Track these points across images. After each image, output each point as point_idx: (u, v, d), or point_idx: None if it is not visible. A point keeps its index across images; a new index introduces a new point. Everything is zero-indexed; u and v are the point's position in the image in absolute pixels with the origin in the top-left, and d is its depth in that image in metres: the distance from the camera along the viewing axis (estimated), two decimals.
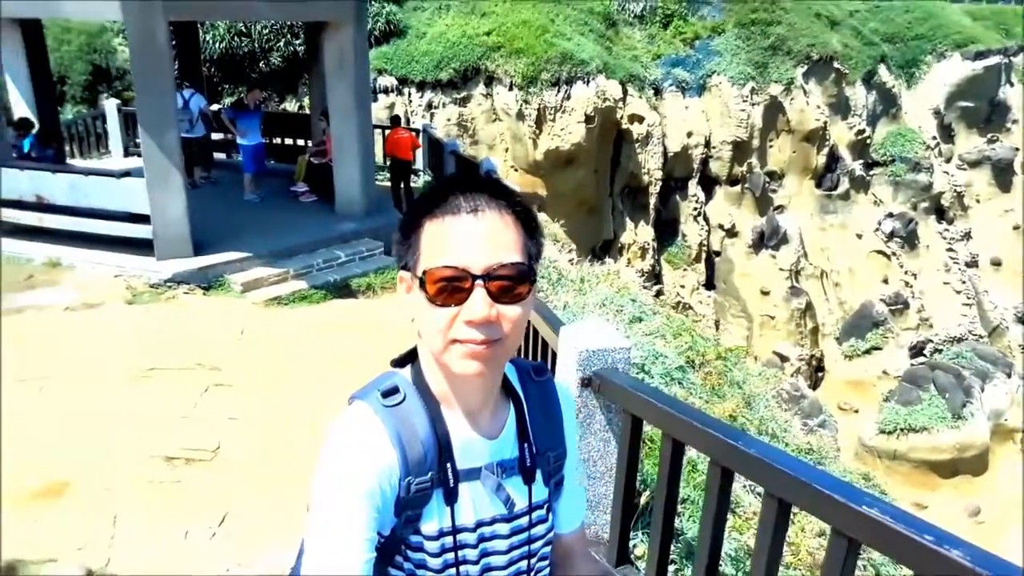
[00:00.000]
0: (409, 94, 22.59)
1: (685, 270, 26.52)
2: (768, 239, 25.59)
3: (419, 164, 13.58)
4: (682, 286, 26.49)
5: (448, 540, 1.12)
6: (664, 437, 2.67)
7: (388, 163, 11.82)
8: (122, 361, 6.02)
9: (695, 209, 26.20)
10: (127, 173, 7.88)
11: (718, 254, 26.79)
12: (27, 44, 9.27)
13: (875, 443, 17.19)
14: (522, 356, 4.90)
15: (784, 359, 22.25)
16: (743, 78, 25.18)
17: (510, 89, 22.46)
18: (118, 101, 13.87)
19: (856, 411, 20.27)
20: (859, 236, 24.53)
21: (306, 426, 4.92)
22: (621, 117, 23.80)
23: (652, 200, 25.55)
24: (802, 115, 25.22)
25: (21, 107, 9.62)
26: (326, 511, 1.02)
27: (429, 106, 22.77)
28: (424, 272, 1.03)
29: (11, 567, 3.20)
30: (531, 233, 1.09)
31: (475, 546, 1.15)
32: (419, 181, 13.47)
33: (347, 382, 5.15)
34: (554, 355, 3.53)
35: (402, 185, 11.38)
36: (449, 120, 22.94)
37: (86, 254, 8.02)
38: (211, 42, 21.42)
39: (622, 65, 23.71)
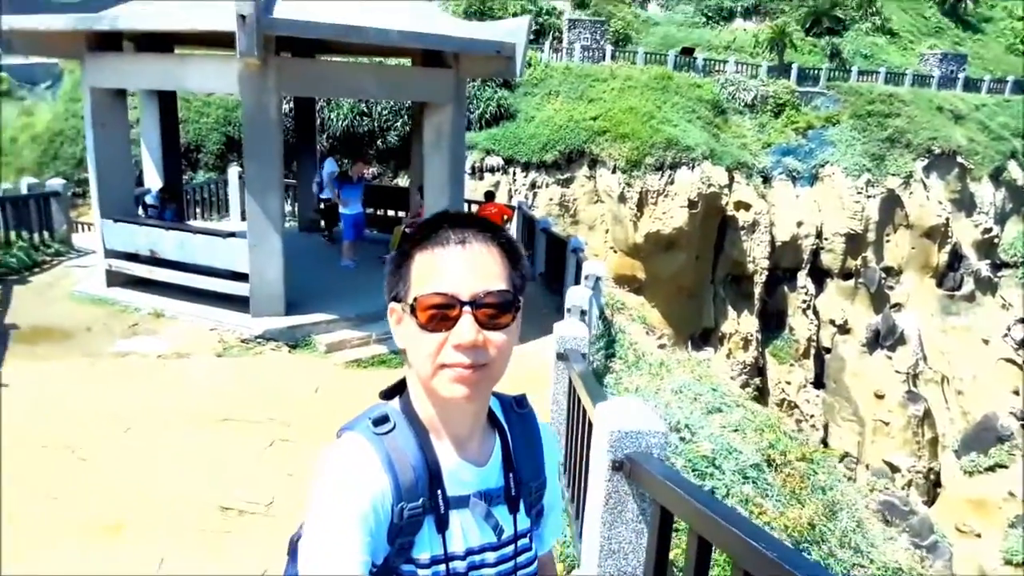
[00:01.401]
0: (514, 173, 23.26)
1: (792, 366, 25.30)
2: (884, 338, 24.09)
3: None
4: (787, 382, 25.23)
5: (440, 568, 1.13)
6: (690, 534, 2.45)
7: None
8: (200, 409, 6.27)
9: (804, 302, 25.16)
10: (232, 234, 8.40)
11: (828, 351, 25.42)
12: (161, 113, 10.27)
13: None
14: (566, 426, 4.74)
15: (895, 469, 20.50)
16: (858, 169, 24.40)
17: (613, 172, 22.74)
18: (240, 169, 14.97)
19: (978, 535, 18.27)
20: (985, 341, 22.68)
21: None
22: (726, 203, 23.51)
23: (757, 290, 24.82)
24: (922, 210, 24.00)
25: (151, 169, 10.58)
26: (321, 534, 1.03)
27: (533, 185, 23.33)
28: (415, 299, 1.08)
29: None
30: (515, 264, 1.15)
31: (465, 574, 1.17)
32: None
33: None
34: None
35: None
36: (551, 200, 23.38)
37: (189, 307, 8.52)
38: (335, 120, 23.01)
39: (729, 152, 23.56)
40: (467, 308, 1.07)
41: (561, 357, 4.98)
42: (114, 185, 8.86)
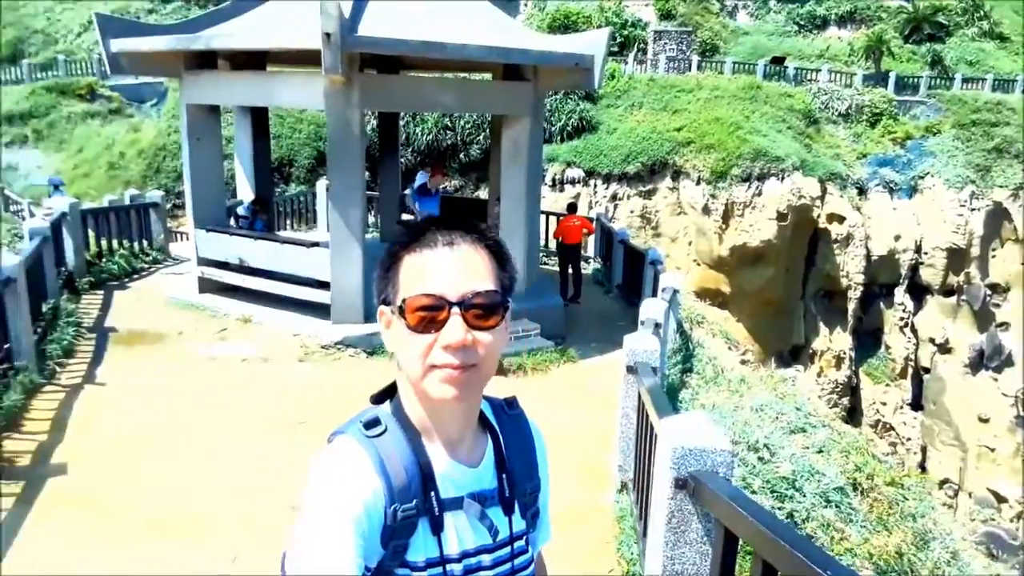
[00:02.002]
0: (595, 185, 23.14)
1: (887, 386, 24.04)
2: (989, 359, 22.59)
3: (590, 251, 13.70)
4: (883, 403, 23.98)
5: (436, 571, 1.13)
6: (755, 558, 2.33)
7: (557, 248, 12.02)
8: (279, 412, 6.47)
9: (901, 319, 23.89)
10: (316, 244, 8.68)
11: (927, 371, 24.03)
12: (254, 128, 10.75)
13: None
14: (635, 441, 4.62)
15: (1002, 499, 19.12)
16: (961, 181, 23.06)
17: (697, 183, 22.28)
18: (327, 181, 15.46)
19: None
20: None
21: None
22: (818, 216, 22.63)
23: (851, 306, 23.74)
24: None
25: (243, 182, 11.07)
26: (312, 538, 1.02)
27: (614, 197, 23.14)
28: (403, 301, 1.09)
29: None
30: (503, 265, 1.16)
31: None
32: (588, 268, 13.57)
33: None
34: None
35: (570, 270, 11.51)
36: (632, 212, 23.12)
37: (274, 313, 8.84)
38: (419, 134, 23.53)
39: (822, 163, 22.70)
40: (455, 309, 1.07)
41: (631, 370, 4.87)
42: (207, 196, 9.32)
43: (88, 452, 5.46)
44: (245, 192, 11.21)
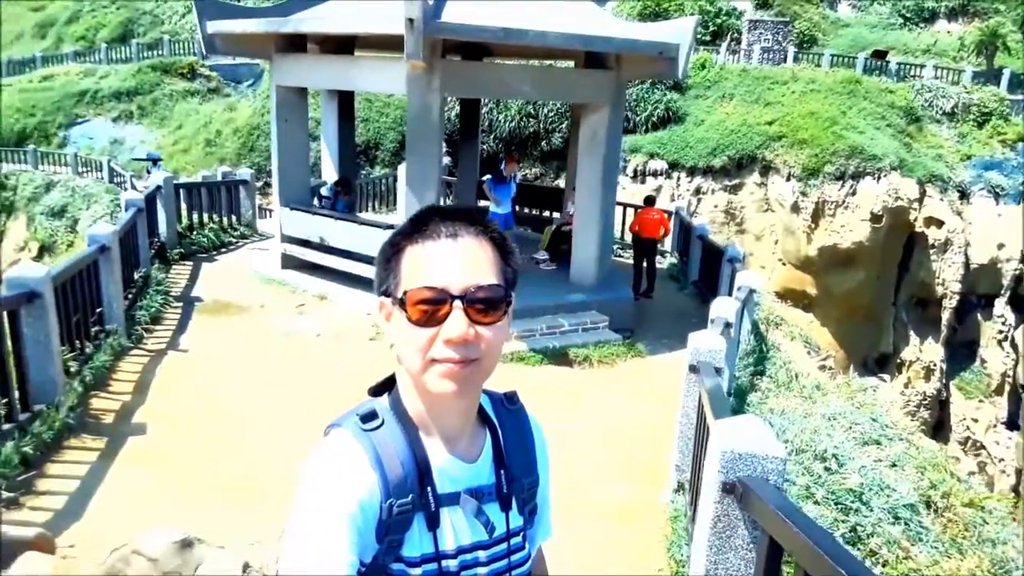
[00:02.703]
0: (678, 178, 22.66)
1: (981, 402, 22.68)
2: None
3: (667, 246, 13.43)
4: (974, 419, 22.66)
5: (431, 567, 1.11)
6: (797, 570, 2.25)
7: (632, 241, 11.83)
8: (346, 388, 6.65)
9: (1000, 332, 22.46)
10: (392, 226, 8.83)
11: None
12: (340, 111, 11.03)
13: None
14: (693, 442, 4.51)
15: None
16: None
17: (787, 180, 21.49)
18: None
19: None
20: None
21: None
22: (915, 219, 21.47)
23: (946, 315, 22.48)
24: None
25: (328, 163, 11.39)
26: (306, 534, 1.01)
27: (697, 191, 22.61)
28: (405, 293, 1.07)
29: (187, 542, 3.63)
30: (506, 258, 1.14)
31: (457, 574, 1.14)
32: (664, 262, 13.32)
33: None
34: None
35: (645, 264, 11.33)
36: (716, 207, 22.53)
37: (349, 292, 9.08)
38: (503, 121, 23.62)
39: (922, 163, 21.50)
40: (458, 302, 1.05)
41: (693, 369, 4.77)
42: (293, 176, 9.63)
43: (166, 414, 5.77)
44: (329, 173, 11.53)
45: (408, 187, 8.43)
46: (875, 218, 20.75)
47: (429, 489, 1.11)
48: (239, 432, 5.66)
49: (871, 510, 4.87)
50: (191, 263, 10.37)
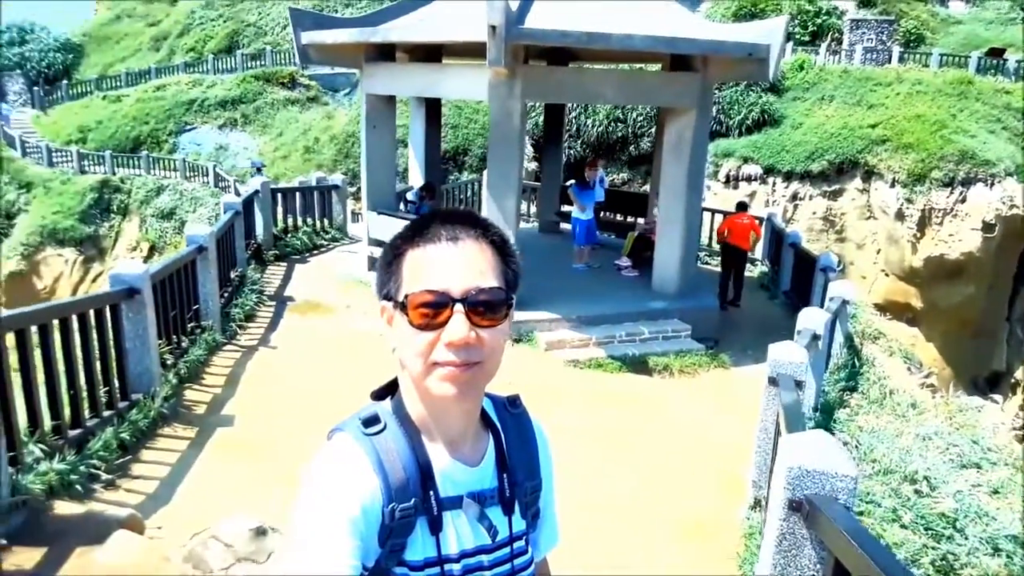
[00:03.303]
0: (774, 183, 21.92)
1: None
2: None
3: (758, 253, 13.01)
4: None
5: (434, 570, 1.11)
6: None
7: (720, 248, 11.51)
8: None
9: None
10: None
11: None
12: (427, 118, 11.26)
13: None
14: (771, 457, 4.33)
15: None
16: None
17: (891, 186, 20.43)
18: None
19: None
20: None
21: None
22: None
23: None
24: None
25: (414, 168, 11.65)
26: (307, 539, 1.02)
27: (794, 197, 21.81)
28: (405, 297, 1.07)
29: (262, 530, 3.79)
30: (507, 261, 1.13)
31: None
32: (755, 271, 12.90)
33: (595, 450, 5.03)
34: None
35: (732, 273, 11.01)
36: (814, 213, 21.66)
37: None
38: (590, 126, 23.52)
39: None
40: (459, 305, 1.04)
41: (772, 382, 4.59)
42: (380, 181, 9.91)
43: (254, 407, 6.04)
44: (416, 179, 11.79)
45: (489, 192, 8.52)
46: (987, 227, 19.43)
47: (431, 493, 1.11)
48: (321, 426, 5.78)
49: (966, 538, 4.55)
50: (285, 264, 10.82)
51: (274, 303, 9.00)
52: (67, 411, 4.50)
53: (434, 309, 1.04)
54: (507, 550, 1.18)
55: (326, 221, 12.68)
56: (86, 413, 4.70)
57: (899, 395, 7.65)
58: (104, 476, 4.43)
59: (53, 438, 4.29)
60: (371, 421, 1.13)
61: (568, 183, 11.15)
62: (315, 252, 11.75)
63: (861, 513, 4.42)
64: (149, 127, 27.06)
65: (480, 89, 8.14)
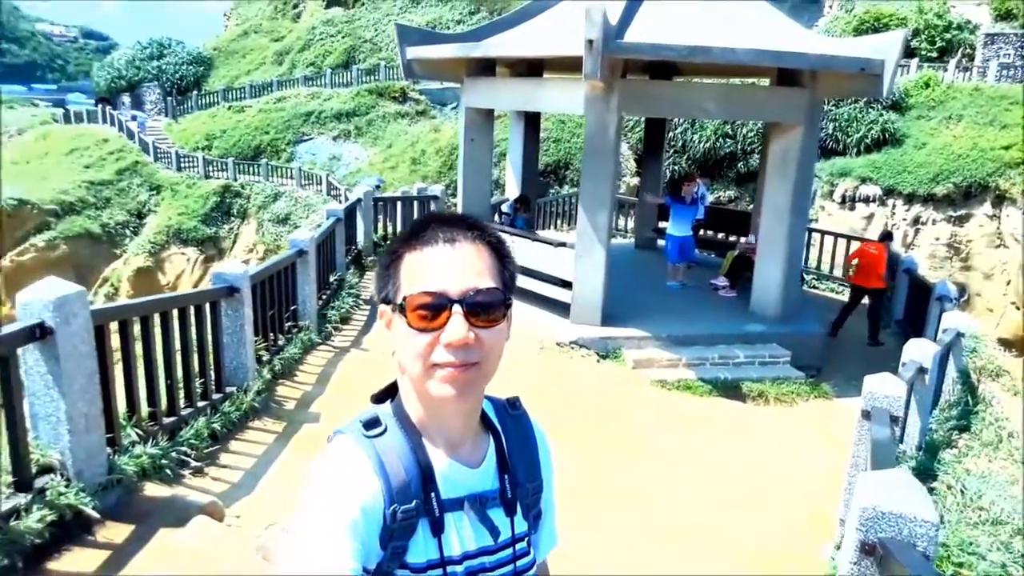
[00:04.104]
0: (894, 206, 20.72)
1: None
2: None
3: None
4: None
5: (436, 572, 1.11)
6: None
7: (850, 283, 10.77)
8: (501, 393, 6.79)
9: None
10: (563, 244, 8.93)
11: None
12: (526, 131, 11.36)
13: None
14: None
15: None
16: None
17: None
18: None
19: None
20: None
21: (591, 496, 4.83)
22: None
23: None
24: None
25: (511, 181, 11.76)
26: (307, 538, 1.02)
27: (916, 221, 20.54)
28: (404, 299, 1.08)
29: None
30: (504, 262, 1.15)
31: None
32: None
33: (678, 473, 4.90)
34: None
35: (867, 303, 10.30)
36: (937, 239, 20.31)
37: (520, 306, 9.17)
38: (696, 141, 23.03)
39: None
40: (457, 307, 1.06)
41: (865, 415, 4.30)
42: (475, 192, 10.06)
43: (340, 406, 6.21)
44: (512, 191, 11.89)
45: (582, 206, 8.48)
46: None
47: (433, 495, 1.11)
48: None
49: None
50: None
51: (369, 307, 9.27)
52: (164, 400, 4.78)
53: (432, 311, 1.05)
54: (509, 551, 1.18)
55: None
56: (181, 403, 4.97)
57: (1017, 439, 7.02)
58: (193, 463, 4.67)
59: (149, 424, 4.56)
60: (372, 424, 1.13)
61: (664, 199, 10.95)
62: None
63: (961, 564, 4.07)
64: (269, 137, 28.66)
65: (576, 103, 8.13)
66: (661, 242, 12.15)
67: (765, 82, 10.95)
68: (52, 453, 3.72)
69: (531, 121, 11.56)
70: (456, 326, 1.05)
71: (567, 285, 8.81)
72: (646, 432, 6.65)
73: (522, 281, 9.29)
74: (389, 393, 1.21)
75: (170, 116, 33.75)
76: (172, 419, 4.82)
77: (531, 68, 9.97)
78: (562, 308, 8.87)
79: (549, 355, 8.20)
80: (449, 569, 1.12)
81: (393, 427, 1.14)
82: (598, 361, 8.27)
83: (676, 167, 22.63)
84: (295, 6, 39.79)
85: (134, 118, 31.94)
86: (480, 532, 1.15)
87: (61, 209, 25.24)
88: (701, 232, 12.82)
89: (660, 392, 7.88)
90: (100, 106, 34.10)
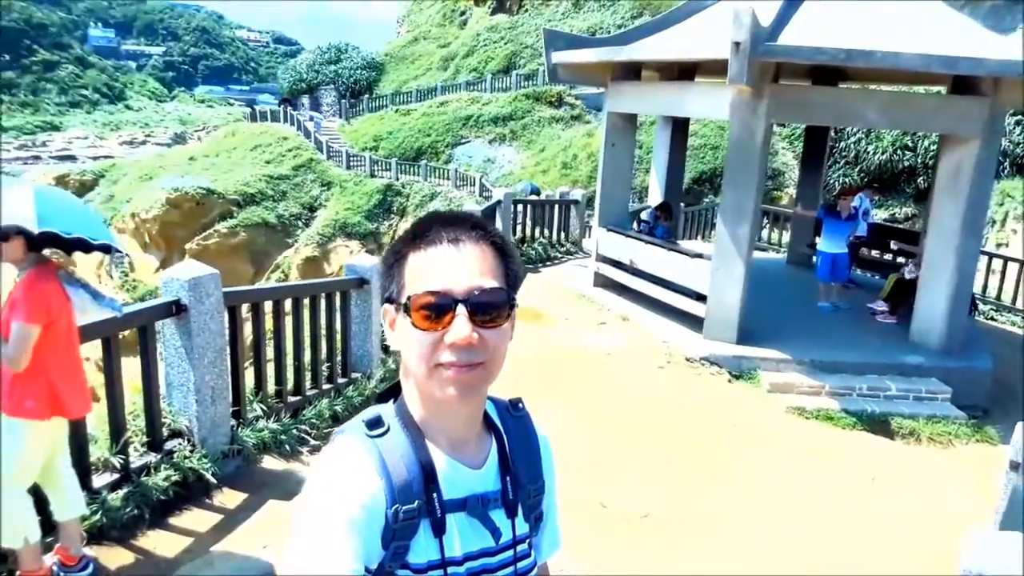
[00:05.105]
0: None
1: None
2: None
3: None
4: None
5: (438, 573, 1.12)
6: None
7: None
8: (621, 407, 6.66)
9: None
10: (700, 255, 8.58)
11: None
12: (672, 138, 11.05)
13: None
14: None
15: None
16: None
17: None
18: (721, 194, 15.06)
19: None
20: None
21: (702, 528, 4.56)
22: None
23: None
24: None
25: (655, 188, 11.49)
26: (308, 540, 1.02)
27: None
28: (408, 298, 1.08)
29: None
30: (508, 262, 1.15)
31: None
32: None
33: (808, 509, 4.61)
34: None
35: None
36: None
37: (650, 317, 9.04)
38: (871, 153, 21.44)
39: None
40: (461, 307, 1.05)
41: (1014, 467, 3.77)
42: (613, 198, 9.92)
43: None
44: (655, 198, 11.62)
45: (721, 216, 8.12)
46: None
47: (435, 495, 1.11)
48: None
49: None
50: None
51: None
52: (291, 380, 5.10)
53: (436, 311, 1.06)
54: (510, 553, 1.19)
55: (563, 234, 13.01)
56: (307, 384, 5.29)
57: None
58: (312, 441, 4.95)
59: (274, 401, 4.89)
60: (374, 423, 1.14)
61: (817, 212, 10.25)
62: (548, 263, 12.09)
63: None
64: (430, 139, 29.97)
65: (721, 108, 7.80)
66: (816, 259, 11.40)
67: (943, 89, 9.97)
68: (182, 419, 4.07)
69: (679, 126, 11.24)
70: (460, 326, 1.05)
71: (701, 298, 8.47)
72: (775, 462, 6.24)
73: (652, 291, 9.08)
74: (392, 393, 1.22)
75: (343, 117, 36.15)
76: (296, 398, 5.13)
77: (682, 72, 9.68)
78: (694, 321, 8.54)
79: (676, 369, 7.93)
80: (450, 570, 1.12)
81: (396, 427, 1.14)
82: (729, 381, 7.88)
83: (847, 179, 21.20)
84: (462, 13, 41.30)
85: (311, 118, 34.52)
86: (481, 533, 1.16)
87: (243, 200, 27.74)
88: (863, 251, 11.91)
89: (796, 420, 7.37)
90: (282, 106, 37.22)
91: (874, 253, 12.41)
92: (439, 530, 1.11)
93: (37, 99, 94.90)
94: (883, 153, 21.25)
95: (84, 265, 27.06)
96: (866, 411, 7.60)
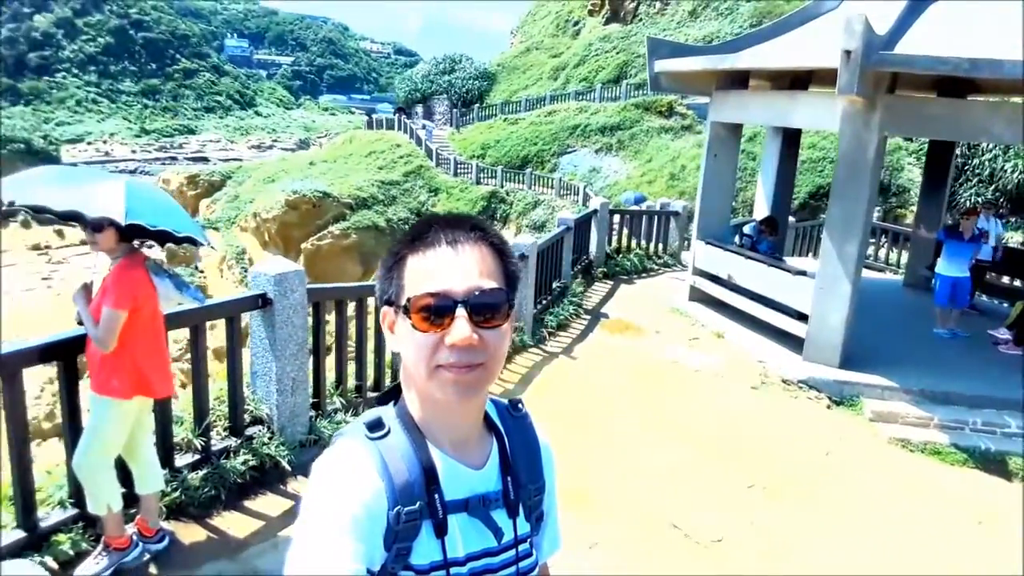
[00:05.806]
0: None
1: None
2: None
3: None
4: None
5: (439, 574, 1.13)
6: None
7: None
8: (707, 430, 6.42)
9: None
10: (802, 272, 8.18)
11: None
12: (782, 149, 10.59)
13: None
14: None
15: None
16: None
17: None
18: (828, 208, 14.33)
19: None
20: None
21: None
22: None
23: None
24: None
25: (761, 201, 11.05)
26: (310, 543, 1.03)
27: None
28: (408, 300, 1.09)
29: None
30: (507, 264, 1.15)
31: None
32: None
33: (887, 550, 4.35)
34: None
35: None
36: None
37: (746, 334, 8.70)
38: (1007, 172, 19.89)
39: None
40: (460, 308, 1.06)
41: None
42: (713, 211, 9.63)
43: (537, 410, 6.28)
44: (761, 211, 11.19)
45: (827, 232, 7.72)
46: None
47: (436, 496, 1.12)
48: (591, 441, 5.92)
49: None
50: (611, 282, 11.13)
51: (588, 317, 9.32)
52: (371, 376, 5.24)
53: (436, 312, 1.06)
54: (512, 553, 1.19)
55: (661, 246, 12.75)
56: (387, 380, 5.41)
57: None
58: None
59: (354, 396, 5.03)
60: (375, 425, 1.14)
61: (936, 233, 9.57)
62: (643, 275, 11.87)
63: None
64: (537, 148, 30.18)
65: (831, 119, 7.42)
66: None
67: None
68: (263, 407, 4.26)
69: (790, 138, 10.77)
70: (460, 327, 1.05)
71: (803, 317, 8.07)
72: (870, 494, 5.84)
73: (750, 307, 8.74)
74: (393, 395, 1.22)
75: (454, 126, 37.04)
76: (375, 394, 5.26)
77: (795, 82, 9.29)
78: (794, 342, 8.15)
79: (771, 391, 7.58)
80: (453, 570, 1.13)
81: (397, 428, 1.15)
82: (829, 407, 7.45)
83: (979, 198, 19.72)
84: (576, 23, 41.40)
85: (424, 127, 35.57)
86: (483, 533, 1.17)
87: (355, 203, 28.87)
88: (990, 275, 11.02)
89: (899, 452, 6.88)
90: (397, 115, 38.54)
91: (1004, 280, 11.47)
92: (441, 531, 1.11)
93: (176, 104, 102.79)
94: (1022, 172, 19.61)
95: (208, 261, 28.97)
96: (979, 448, 7.00)
